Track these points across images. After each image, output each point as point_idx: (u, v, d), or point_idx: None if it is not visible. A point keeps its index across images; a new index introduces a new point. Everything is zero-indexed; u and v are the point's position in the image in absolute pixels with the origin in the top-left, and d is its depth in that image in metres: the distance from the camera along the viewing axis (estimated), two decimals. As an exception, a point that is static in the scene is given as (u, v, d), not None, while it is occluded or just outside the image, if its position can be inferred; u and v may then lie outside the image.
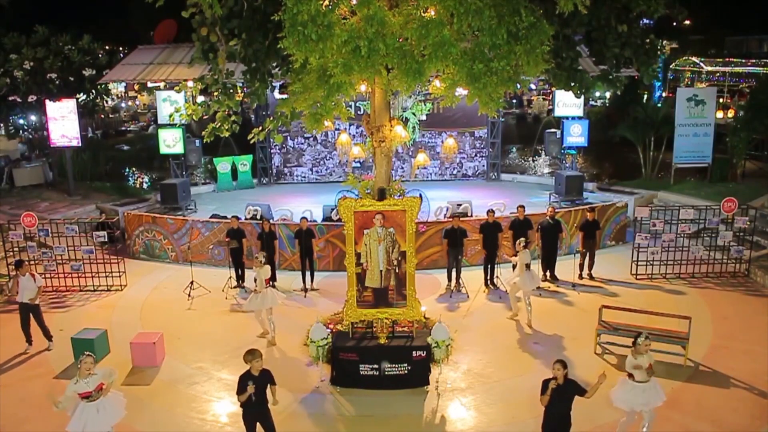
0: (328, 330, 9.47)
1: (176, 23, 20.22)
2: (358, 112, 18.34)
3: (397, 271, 8.81)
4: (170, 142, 17.87)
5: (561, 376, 6.54)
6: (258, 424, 7.01)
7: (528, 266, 10.51)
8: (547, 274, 12.64)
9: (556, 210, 12.98)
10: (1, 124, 22.73)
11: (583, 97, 13.76)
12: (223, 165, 20.06)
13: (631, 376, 7.15)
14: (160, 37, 21.25)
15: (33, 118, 22.51)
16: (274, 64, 10.13)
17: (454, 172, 20.55)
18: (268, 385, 6.97)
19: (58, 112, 18.00)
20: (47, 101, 17.93)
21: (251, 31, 9.53)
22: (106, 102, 26.08)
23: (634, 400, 7.11)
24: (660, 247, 12.70)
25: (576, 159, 19.08)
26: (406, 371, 8.69)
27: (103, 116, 32.51)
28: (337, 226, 12.80)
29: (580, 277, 12.69)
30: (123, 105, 45.67)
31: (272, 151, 20.42)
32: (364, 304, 8.92)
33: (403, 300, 8.91)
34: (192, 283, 12.27)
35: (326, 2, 7.56)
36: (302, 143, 20.24)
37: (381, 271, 8.81)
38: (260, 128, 10.33)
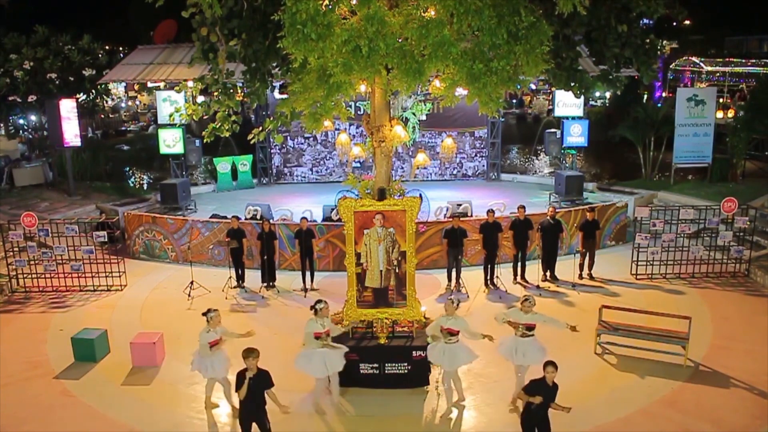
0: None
1: (176, 23, 20.28)
2: (358, 112, 18.33)
3: (397, 271, 8.81)
4: (170, 142, 17.86)
5: (552, 379, 6.53)
6: (254, 424, 6.98)
7: (525, 330, 8.14)
8: (548, 274, 12.65)
9: (557, 210, 12.98)
10: (1, 124, 22.75)
11: (583, 97, 13.75)
12: (223, 165, 20.06)
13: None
14: (160, 37, 21.31)
15: (33, 118, 22.52)
16: (274, 64, 10.11)
17: (454, 172, 20.54)
18: (266, 388, 6.91)
19: (70, 112, 17.88)
20: (61, 101, 17.71)
21: (251, 31, 9.53)
22: (106, 102, 26.10)
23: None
24: (660, 247, 12.70)
25: (576, 159, 19.08)
26: (406, 371, 8.69)
27: (103, 116, 32.52)
28: (337, 226, 12.80)
29: (580, 277, 12.69)
30: (123, 105, 45.68)
31: (272, 151, 20.41)
32: (364, 304, 8.92)
33: (403, 300, 8.90)
34: (192, 283, 12.28)
35: (326, 2, 7.56)
36: (302, 143, 20.24)
37: (381, 271, 8.81)
38: (260, 128, 10.30)
